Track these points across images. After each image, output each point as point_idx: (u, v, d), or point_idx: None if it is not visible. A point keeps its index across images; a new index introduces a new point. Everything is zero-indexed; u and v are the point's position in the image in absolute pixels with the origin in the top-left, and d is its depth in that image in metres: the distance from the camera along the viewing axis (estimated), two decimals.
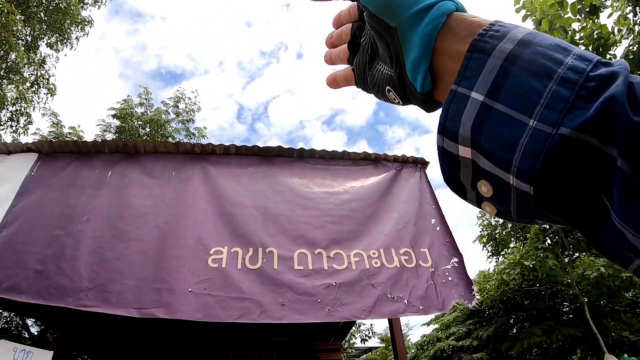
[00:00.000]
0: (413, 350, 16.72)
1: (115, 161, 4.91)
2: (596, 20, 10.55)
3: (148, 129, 15.68)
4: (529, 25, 12.30)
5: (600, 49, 10.39)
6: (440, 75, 0.43)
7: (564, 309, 13.68)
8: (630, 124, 0.30)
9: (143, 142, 4.89)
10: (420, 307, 4.13)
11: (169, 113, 16.48)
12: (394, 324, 4.68)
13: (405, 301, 4.13)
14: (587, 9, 10.34)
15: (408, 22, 0.43)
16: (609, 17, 11.02)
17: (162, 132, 15.72)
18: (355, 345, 16.62)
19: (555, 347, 12.98)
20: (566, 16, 10.77)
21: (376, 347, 22.90)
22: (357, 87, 0.60)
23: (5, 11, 12.38)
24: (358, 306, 4.00)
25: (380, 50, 0.52)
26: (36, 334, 10.94)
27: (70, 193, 4.77)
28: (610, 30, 10.48)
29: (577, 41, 10.61)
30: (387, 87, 0.51)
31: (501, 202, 0.40)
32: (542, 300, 13.45)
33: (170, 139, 14.84)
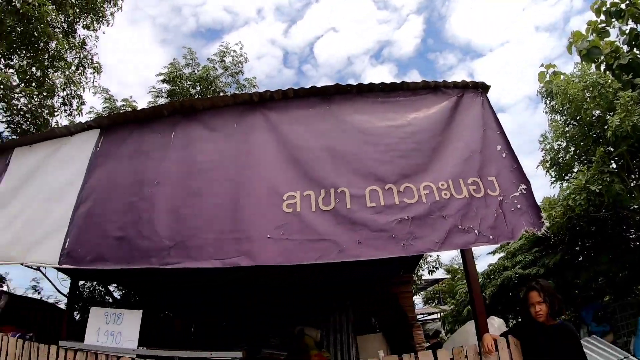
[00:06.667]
0: (480, 280, 16.56)
1: (175, 122, 4.96)
2: None
3: (198, 88, 15.67)
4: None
5: None
6: None
7: (631, 236, 13.16)
8: None
9: (200, 100, 4.90)
10: (491, 237, 4.04)
11: (216, 69, 16.35)
12: (466, 254, 4.59)
13: (476, 231, 4.04)
14: None
15: None
16: None
17: (213, 88, 15.66)
18: (423, 277, 16.66)
19: (622, 276, 12.59)
20: None
21: (442, 279, 22.95)
22: None
23: (37, 4, 12.57)
24: (431, 239, 3.95)
25: None
26: (119, 298, 11.55)
27: (138, 160, 4.89)
28: None
29: None
30: None
31: None
32: (609, 227, 12.99)
33: (221, 94, 14.89)
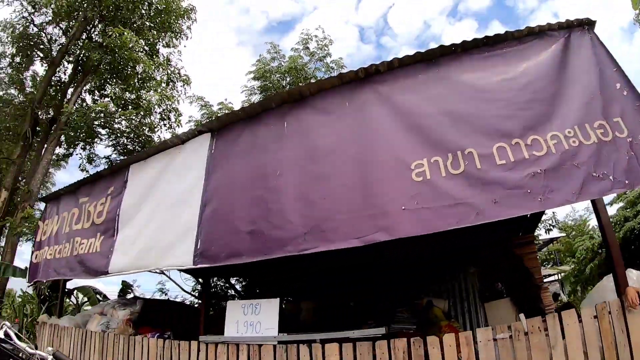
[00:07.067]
0: (598, 234, 15.49)
1: (285, 112, 5.03)
2: None
3: (288, 79, 15.97)
4: None
5: None
6: None
7: None
8: None
9: (307, 85, 4.92)
10: (627, 182, 3.75)
11: (302, 57, 16.54)
12: (597, 203, 4.27)
13: (611, 177, 3.74)
14: None
15: None
16: None
17: (303, 75, 15.86)
18: (539, 237, 15.89)
19: None
20: None
21: (557, 237, 21.71)
22: None
23: (117, 34, 13.35)
24: (567, 190, 3.71)
25: None
26: (240, 290, 12.10)
27: (255, 155, 5.02)
28: None
29: None
30: None
31: None
32: None
33: (312, 80, 15.05)
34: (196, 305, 12.11)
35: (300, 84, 5.14)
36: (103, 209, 7.33)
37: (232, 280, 12.01)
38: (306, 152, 4.63)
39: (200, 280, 11.78)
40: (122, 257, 6.43)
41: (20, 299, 16.52)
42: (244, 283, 12.14)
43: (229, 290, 12.20)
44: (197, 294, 12.56)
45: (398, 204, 3.90)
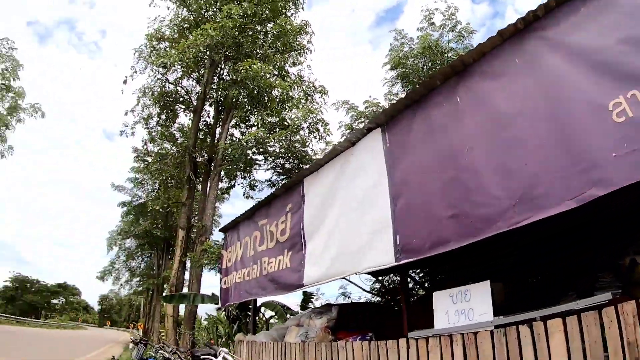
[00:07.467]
0: None
1: (453, 86, 4.86)
2: None
3: (423, 59, 15.48)
4: None
5: None
6: None
7: None
8: None
9: (467, 54, 4.73)
10: None
11: (430, 34, 15.78)
12: None
13: None
14: None
15: None
16: None
17: (439, 50, 15.24)
18: None
19: None
20: None
21: None
22: None
23: (246, 68, 14.35)
24: None
25: None
26: (418, 279, 12.11)
27: (435, 136, 4.92)
28: None
29: None
30: None
31: None
32: None
33: (449, 54, 14.46)
34: (381, 303, 12.32)
35: (461, 55, 4.87)
36: (285, 226, 7.73)
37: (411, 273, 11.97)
38: (490, 120, 4.39)
39: (379, 278, 12.00)
40: (314, 269, 6.72)
41: (206, 322, 18.20)
42: (421, 274, 12.05)
43: (409, 283, 12.19)
44: (375, 292, 12.76)
45: (606, 151, 3.48)
